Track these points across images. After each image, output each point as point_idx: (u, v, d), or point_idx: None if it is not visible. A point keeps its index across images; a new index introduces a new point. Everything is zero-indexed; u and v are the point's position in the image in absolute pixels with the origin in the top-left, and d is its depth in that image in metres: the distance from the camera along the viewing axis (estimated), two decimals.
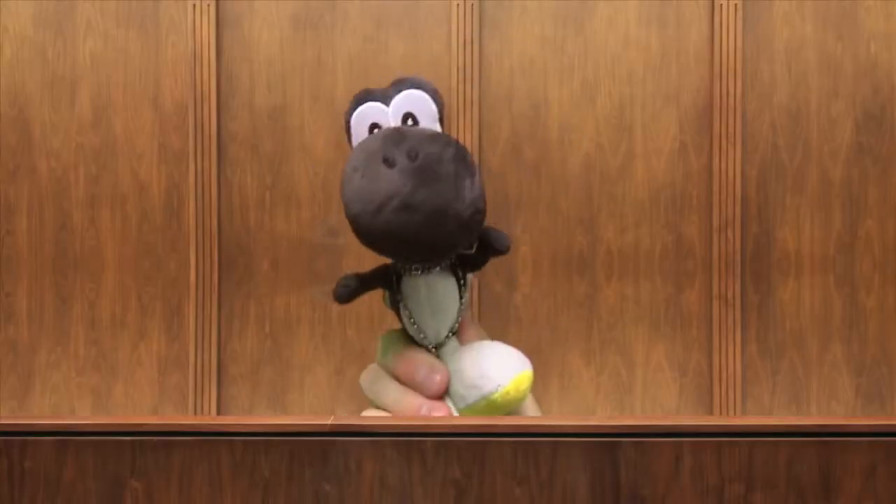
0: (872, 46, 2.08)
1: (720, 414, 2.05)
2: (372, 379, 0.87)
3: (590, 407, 2.08)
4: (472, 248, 0.86)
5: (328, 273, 2.09)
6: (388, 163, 0.78)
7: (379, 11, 2.10)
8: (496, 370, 0.82)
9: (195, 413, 2.07)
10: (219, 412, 2.08)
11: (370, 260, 2.17)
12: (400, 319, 0.87)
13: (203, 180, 2.08)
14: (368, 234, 0.81)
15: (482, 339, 0.90)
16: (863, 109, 2.08)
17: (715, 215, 2.06)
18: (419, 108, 0.85)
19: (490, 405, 0.80)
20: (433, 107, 0.87)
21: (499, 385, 0.82)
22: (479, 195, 0.81)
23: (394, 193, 0.77)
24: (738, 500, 0.59)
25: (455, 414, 0.83)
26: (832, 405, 2.08)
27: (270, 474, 0.59)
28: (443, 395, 0.84)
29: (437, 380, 0.82)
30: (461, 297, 0.87)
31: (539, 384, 2.07)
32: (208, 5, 2.08)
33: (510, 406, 0.81)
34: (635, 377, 2.09)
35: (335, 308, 2.10)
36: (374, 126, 0.85)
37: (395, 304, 0.88)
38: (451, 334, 0.86)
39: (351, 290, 0.87)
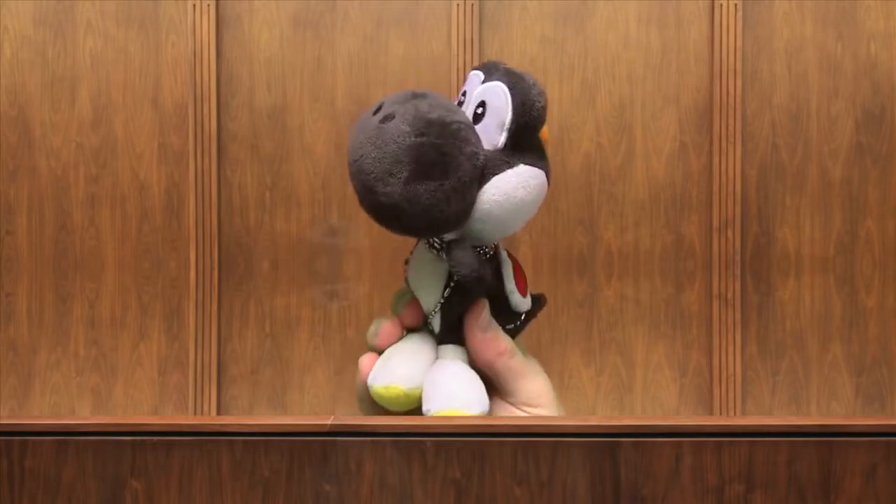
0: (872, 46, 2.08)
1: (720, 414, 2.05)
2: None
3: (590, 407, 2.08)
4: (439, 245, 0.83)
5: (328, 273, 2.09)
6: (376, 111, 0.78)
7: (379, 11, 2.10)
8: (437, 393, 0.79)
9: (195, 413, 2.07)
10: (219, 412, 2.08)
11: (370, 259, 2.15)
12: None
13: (203, 180, 2.08)
14: None
15: (506, 356, 0.85)
16: (863, 109, 2.08)
17: (715, 215, 2.06)
18: (495, 105, 0.80)
19: None
20: (507, 115, 0.80)
21: (428, 409, 0.80)
22: (412, 194, 0.76)
23: (354, 136, 0.78)
24: (738, 500, 0.59)
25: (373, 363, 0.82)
26: (832, 405, 2.08)
27: (270, 474, 0.59)
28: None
29: (380, 333, 0.83)
30: (442, 296, 0.84)
31: None
32: (208, 5, 2.08)
33: None
34: (635, 377, 2.09)
35: (335, 308, 2.10)
36: (463, 94, 0.83)
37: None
38: (435, 314, 0.84)
39: None
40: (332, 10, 2.10)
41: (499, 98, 0.79)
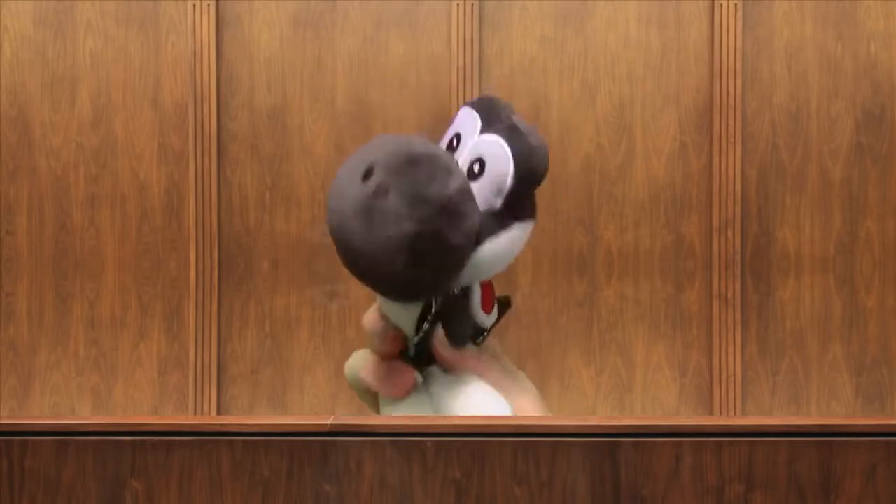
0: (872, 46, 2.08)
1: (720, 414, 2.05)
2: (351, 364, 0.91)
3: (590, 407, 2.08)
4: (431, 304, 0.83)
5: (328, 273, 2.09)
6: (365, 175, 0.72)
7: (379, 11, 2.10)
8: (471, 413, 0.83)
9: (195, 413, 2.07)
10: (219, 412, 2.08)
11: None
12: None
13: (203, 180, 2.08)
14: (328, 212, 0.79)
15: (474, 373, 0.87)
16: (863, 109, 2.08)
17: (715, 215, 2.06)
18: (496, 169, 0.73)
19: None
20: (507, 181, 0.73)
21: None
22: (408, 279, 0.72)
23: (337, 201, 0.73)
24: (738, 500, 0.59)
25: (419, 379, 0.84)
26: (832, 405, 2.08)
27: (270, 474, 0.59)
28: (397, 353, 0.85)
29: (388, 335, 0.84)
30: (419, 331, 0.84)
31: (539, 384, 2.06)
32: (208, 5, 2.08)
33: None
34: (635, 377, 2.09)
35: (335, 309, 2.10)
36: (456, 136, 0.76)
37: None
38: (415, 341, 0.88)
39: None
40: (332, 10, 2.10)
41: (500, 161, 0.73)
